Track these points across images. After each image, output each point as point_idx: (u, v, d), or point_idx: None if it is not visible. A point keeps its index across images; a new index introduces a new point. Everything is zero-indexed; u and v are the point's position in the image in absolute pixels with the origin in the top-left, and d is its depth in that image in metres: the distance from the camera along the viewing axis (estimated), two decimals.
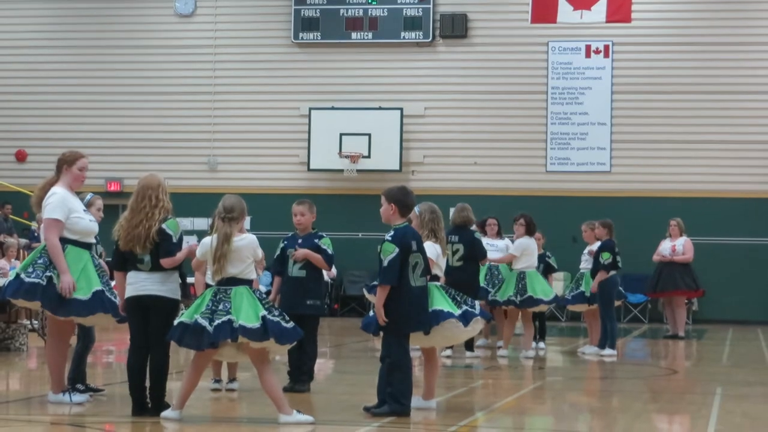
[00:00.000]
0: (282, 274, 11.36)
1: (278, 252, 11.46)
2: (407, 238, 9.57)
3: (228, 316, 8.80)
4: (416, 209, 10.13)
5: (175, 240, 9.33)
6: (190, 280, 10.22)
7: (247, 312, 8.84)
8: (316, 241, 11.28)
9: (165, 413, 9.07)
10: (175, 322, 9.05)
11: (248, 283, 9.06)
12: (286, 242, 11.48)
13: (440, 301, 9.86)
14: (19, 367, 14.12)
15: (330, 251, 11.24)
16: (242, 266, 9.00)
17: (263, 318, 8.84)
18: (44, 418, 9.38)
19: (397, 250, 9.45)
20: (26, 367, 14.14)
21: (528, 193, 25.37)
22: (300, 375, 11.02)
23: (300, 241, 11.34)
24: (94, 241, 9.96)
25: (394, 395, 9.42)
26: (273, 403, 8.96)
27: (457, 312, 9.87)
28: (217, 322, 8.80)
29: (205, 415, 9.77)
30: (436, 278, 10.02)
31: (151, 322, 9.30)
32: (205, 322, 8.81)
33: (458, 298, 10.04)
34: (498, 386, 13.04)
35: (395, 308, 9.49)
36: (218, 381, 11.21)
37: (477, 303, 10.26)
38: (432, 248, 9.93)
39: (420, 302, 9.63)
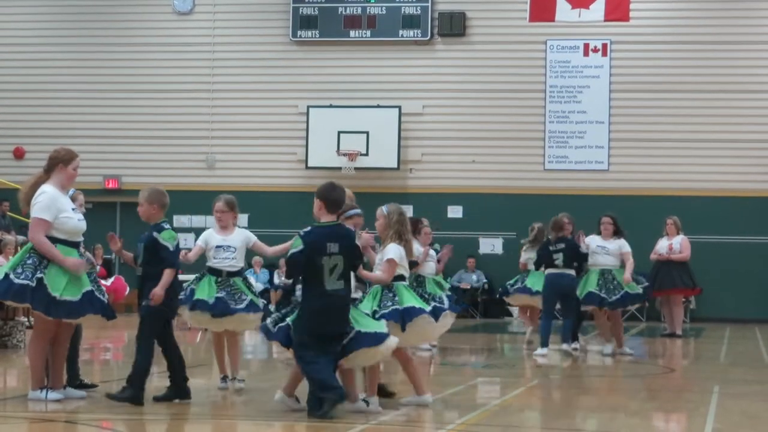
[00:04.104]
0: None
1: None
2: (322, 238, 9.26)
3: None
4: (384, 209, 10.01)
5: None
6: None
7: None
8: None
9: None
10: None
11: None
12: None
13: (410, 299, 9.81)
14: (17, 364, 14.12)
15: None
16: None
17: None
18: (41, 415, 9.37)
19: (301, 247, 9.25)
20: (23, 364, 14.11)
21: (526, 192, 25.40)
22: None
23: None
24: (82, 239, 9.94)
25: (320, 386, 9.10)
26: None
27: (428, 308, 9.87)
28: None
29: (205, 412, 9.79)
30: (401, 278, 9.94)
31: None
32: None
33: (425, 296, 10.09)
34: (496, 384, 13.05)
35: (306, 309, 9.25)
36: (225, 379, 11.11)
37: (445, 297, 10.29)
38: (396, 249, 9.83)
39: (332, 306, 9.25)
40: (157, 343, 9.93)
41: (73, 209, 9.87)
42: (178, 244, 9.92)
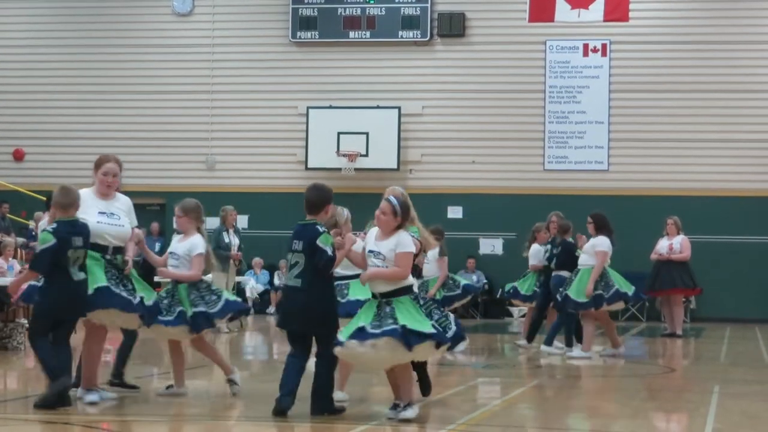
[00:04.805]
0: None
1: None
2: (293, 236, 9.44)
3: None
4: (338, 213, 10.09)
5: None
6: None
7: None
8: None
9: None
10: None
11: None
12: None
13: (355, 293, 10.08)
14: (17, 366, 14.13)
15: None
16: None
17: None
18: (42, 417, 9.37)
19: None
20: (24, 366, 14.14)
21: (526, 192, 25.41)
22: None
23: None
24: (105, 243, 9.74)
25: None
26: None
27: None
28: None
29: (205, 413, 9.79)
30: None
31: None
32: None
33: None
34: (496, 384, 13.05)
35: None
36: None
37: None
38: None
39: (287, 301, 9.58)
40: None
41: (101, 212, 9.79)
42: (49, 248, 9.30)
